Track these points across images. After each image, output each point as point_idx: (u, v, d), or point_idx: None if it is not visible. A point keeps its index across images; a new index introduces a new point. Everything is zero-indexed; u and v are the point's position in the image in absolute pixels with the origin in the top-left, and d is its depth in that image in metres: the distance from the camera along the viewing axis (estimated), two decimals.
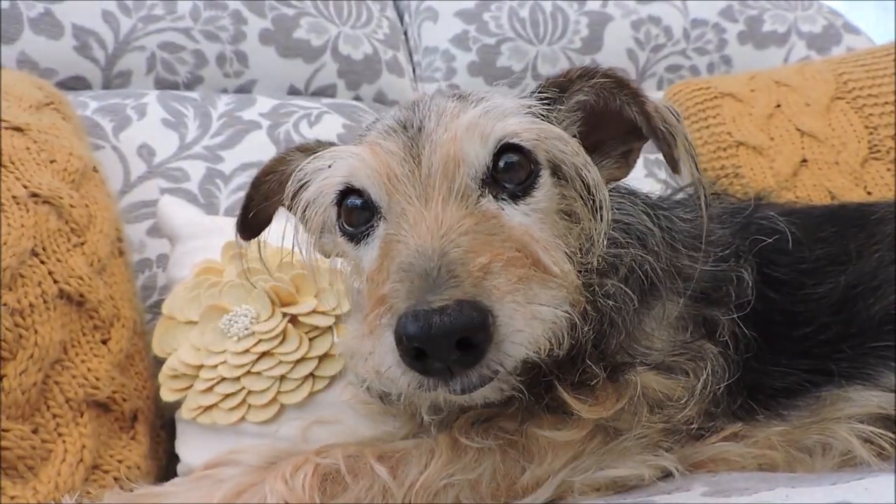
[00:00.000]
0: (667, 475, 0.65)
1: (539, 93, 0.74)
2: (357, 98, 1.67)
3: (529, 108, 0.70)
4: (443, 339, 0.51)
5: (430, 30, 1.80)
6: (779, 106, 1.52)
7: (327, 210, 0.72)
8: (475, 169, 0.65)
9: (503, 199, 0.66)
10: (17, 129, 1.02)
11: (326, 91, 1.65)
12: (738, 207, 0.84)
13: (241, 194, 1.34)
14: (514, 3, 1.79)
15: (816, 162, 1.43)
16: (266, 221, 0.86)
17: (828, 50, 1.91)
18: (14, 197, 0.91)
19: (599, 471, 0.65)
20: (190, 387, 0.92)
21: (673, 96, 1.61)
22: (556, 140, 0.68)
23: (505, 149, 0.66)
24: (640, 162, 1.51)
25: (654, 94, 1.69)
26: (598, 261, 0.69)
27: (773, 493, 0.50)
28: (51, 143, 1.04)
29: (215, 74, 1.57)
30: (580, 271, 0.68)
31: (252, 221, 0.85)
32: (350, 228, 0.70)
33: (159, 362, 0.97)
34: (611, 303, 0.68)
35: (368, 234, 0.68)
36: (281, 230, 0.88)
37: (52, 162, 1.01)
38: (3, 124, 1.00)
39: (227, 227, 1.12)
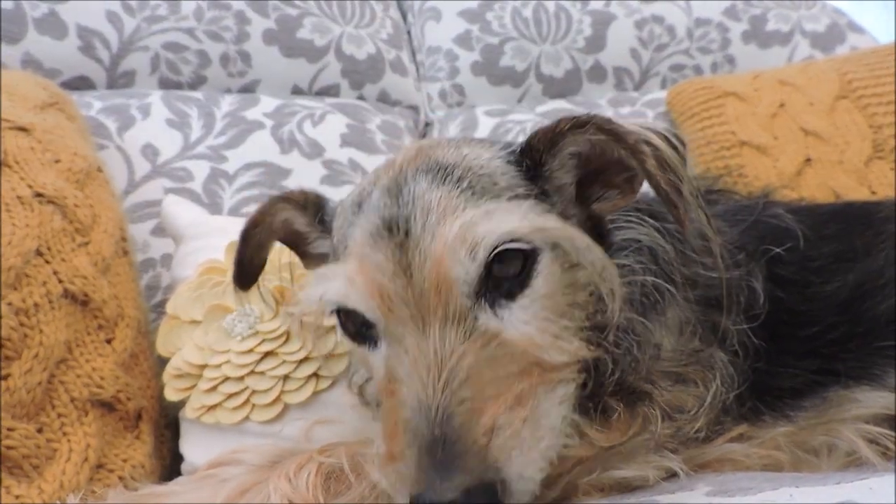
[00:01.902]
0: (671, 475, 0.65)
1: (525, 150, 0.71)
2: (360, 98, 1.67)
3: (517, 192, 0.67)
4: None
5: (433, 29, 1.80)
6: (783, 105, 1.51)
7: (325, 316, 0.73)
8: (468, 285, 0.61)
9: (500, 302, 0.62)
10: (22, 129, 1.02)
11: (330, 91, 1.65)
12: (745, 205, 0.83)
13: (246, 194, 1.35)
14: (518, 3, 1.79)
15: (820, 161, 1.43)
16: (261, 266, 0.86)
17: (832, 49, 1.90)
18: (19, 197, 0.91)
19: (604, 472, 0.65)
20: (194, 386, 0.92)
21: (676, 96, 1.61)
22: (553, 230, 0.64)
23: (499, 255, 0.62)
24: None
25: (657, 94, 1.70)
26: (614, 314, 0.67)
27: (777, 492, 0.50)
28: (55, 143, 1.04)
29: (219, 74, 1.57)
30: (592, 328, 0.67)
31: (248, 270, 0.85)
32: (353, 330, 0.68)
33: (163, 362, 0.97)
34: (630, 336, 0.68)
35: (372, 341, 0.67)
36: None
37: (56, 162, 1.01)
38: (9, 124, 1.01)
39: (230, 226, 1.12)
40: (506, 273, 0.62)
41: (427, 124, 1.76)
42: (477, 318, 0.61)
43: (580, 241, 0.65)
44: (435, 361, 0.58)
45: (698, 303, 0.72)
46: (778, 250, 0.75)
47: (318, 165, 1.44)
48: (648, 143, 0.65)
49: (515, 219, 0.63)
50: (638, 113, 1.67)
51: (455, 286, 0.61)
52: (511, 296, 0.62)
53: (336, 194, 1.40)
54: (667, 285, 0.71)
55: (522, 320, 0.62)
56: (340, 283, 0.65)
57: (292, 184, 1.39)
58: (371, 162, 1.48)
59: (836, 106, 1.49)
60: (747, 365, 0.70)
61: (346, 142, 1.50)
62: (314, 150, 1.46)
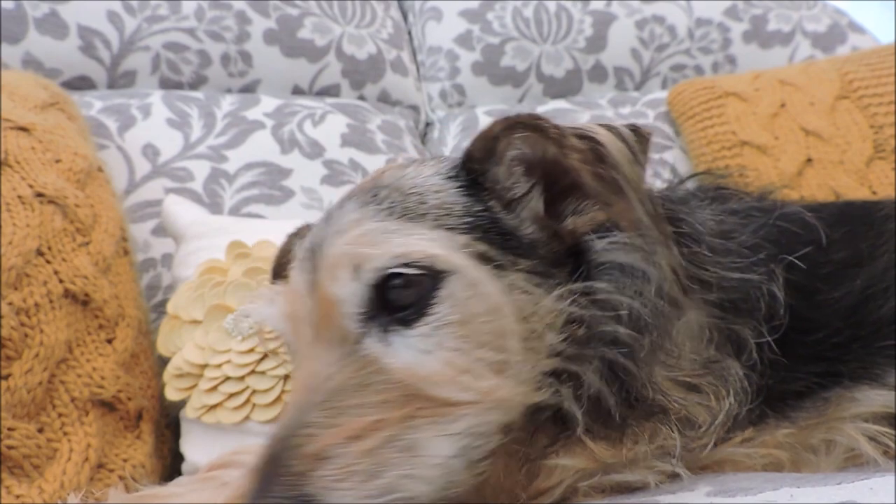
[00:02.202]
0: (673, 476, 0.65)
1: (464, 161, 0.68)
2: (361, 98, 1.67)
3: (449, 211, 0.64)
4: None
5: (434, 29, 1.79)
6: (783, 105, 1.51)
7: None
8: (352, 307, 0.60)
9: (393, 328, 0.59)
10: (23, 128, 1.02)
11: (330, 91, 1.65)
12: (759, 206, 0.81)
13: (246, 194, 1.36)
14: (518, 3, 1.79)
15: (821, 161, 1.43)
16: None
17: (833, 49, 1.90)
18: (19, 196, 0.91)
19: (605, 476, 0.65)
20: (195, 386, 0.92)
21: (677, 96, 1.61)
22: (440, 257, 0.59)
23: (389, 277, 0.59)
24: None
25: (657, 94, 1.70)
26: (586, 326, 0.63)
27: (778, 492, 0.50)
28: (56, 143, 1.04)
29: (220, 74, 1.57)
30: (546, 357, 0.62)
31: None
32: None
33: (164, 361, 0.97)
34: (616, 350, 0.63)
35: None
36: (285, 230, 0.88)
37: (57, 162, 1.01)
38: (10, 124, 1.01)
39: (231, 226, 1.12)
40: (404, 298, 0.59)
41: (428, 124, 1.76)
42: (361, 343, 0.60)
43: (472, 274, 0.59)
44: (306, 384, 0.58)
45: (716, 307, 0.69)
46: (791, 258, 0.72)
47: (319, 165, 1.44)
48: (584, 136, 0.61)
49: (410, 241, 0.60)
50: (639, 113, 1.67)
51: (337, 308, 0.60)
52: (407, 322, 0.59)
53: (336, 194, 1.41)
54: (679, 276, 0.68)
55: (419, 349, 0.58)
56: (263, 303, 0.67)
57: (293, 184, 1.39)
58: (371, 162, 1.48)
59: (837, 106, 1.49)
60: (763, 381, 0.68)
61: (346, 142, 1.50)
62: (315, 150, 1.46)
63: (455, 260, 0.60)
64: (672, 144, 1.60)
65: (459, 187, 0.67)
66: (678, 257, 0.63)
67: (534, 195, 0.67)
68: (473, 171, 0.67)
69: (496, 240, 0.64)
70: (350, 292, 0.60)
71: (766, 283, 0.70)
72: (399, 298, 0.59)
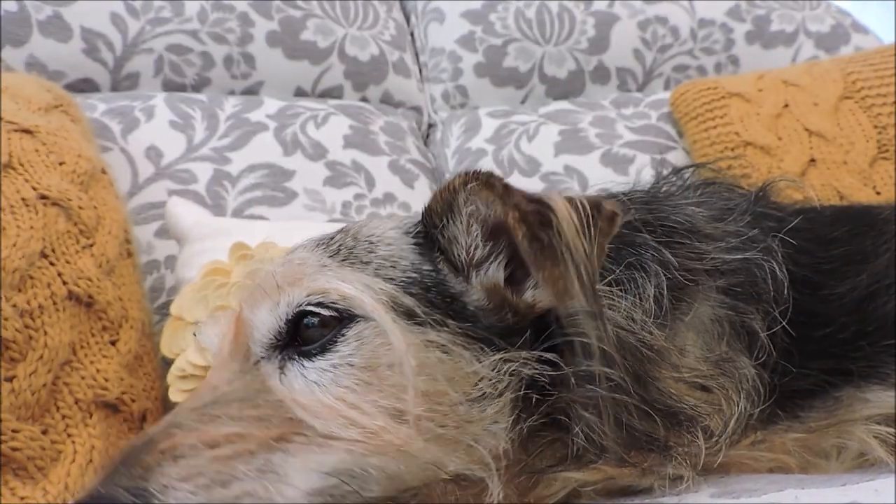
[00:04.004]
0: (677, 478, 0.64)
1: (424, 214, 0.68)
2: (364, 99, 1.67)
3: (396, 264, 0.65)
4: None
5: (437, 31, 1.80)
6: (787, 106, 1.51)
7: None
8: (262, 334, 0.62)
9: (294, 358, 0.61)
10: (27, 131, 1.03)
11: (333, 92, 1.65)
12: (748, 200, 0.81)
13: (249, 196, 1.36)
14: (521, 4, 1.79)
15: (825, 162, 1.42)
16: None
17: (836, 49, 1.90)
18: (23, 199, 0.91)
19: (608, 481, 0.64)
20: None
21: (680, 96, 1.61)
22: (354, 300, 0.60)
23: (303, 314, 0.61)
24: (646, 160, 1.52)
25: (660, 95, 1.70)
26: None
27: (783, 494, 0.50)
28: (59, 146, 1.04)
29: (223, 76, 1.58)
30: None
31: None
32: None
33: (167, 363, 0.97)
34: (640, 355, 0.61)
35: None
36: (288, 231, 0.88)
37: (60, 164, 1.01)
38: (13, 126, 1.01)
39: (234, 228, 1.12)
40: (315, 337, 0.61)
41: (430, 126, 1.76)
42: (258, 364, 0.62)
43: (384, 323, 0.59)
44: (201, 389, 0.60)
45: (723, 293, 0.69)
46: (785, 244, 0.72)
47: (322, 167, 1.44)
48: (533, 200, 0.61)
49: (332, 282, 0.61)
50: (641, 114, 1.67)
51: (249, 333, 0.63)
52: (309, 356, 0.60)
53: (339, 196, 1.42)
54: (685, 282, 0.67)
55: (312, 380, 0.59)
56: (210, 322, 0.71)
57: (296, 185, 1.40)
58: (374, 163, 1.49)
59: (841, 106, 1.48)
60: (774, 380, 0.67)
61: (349, 143, 1.50)
62: (317, 152, 1.46)
63: (369, 307, 0.60)
64: (675, 145, 1.60)
65: (415, 244, 0.68)
66: (609, 332, 0.60)
67: (493, 263, 0.65)
68: (433, 227, 0.67)
69: (431, 299, 0.63)
70: (262, 321, 0.62)
71: (766, 261, 0.70)
72: (312, 336, 0.61)
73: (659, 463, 0.61)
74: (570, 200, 0.60)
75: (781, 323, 0.67)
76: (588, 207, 0.60)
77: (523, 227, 0.59)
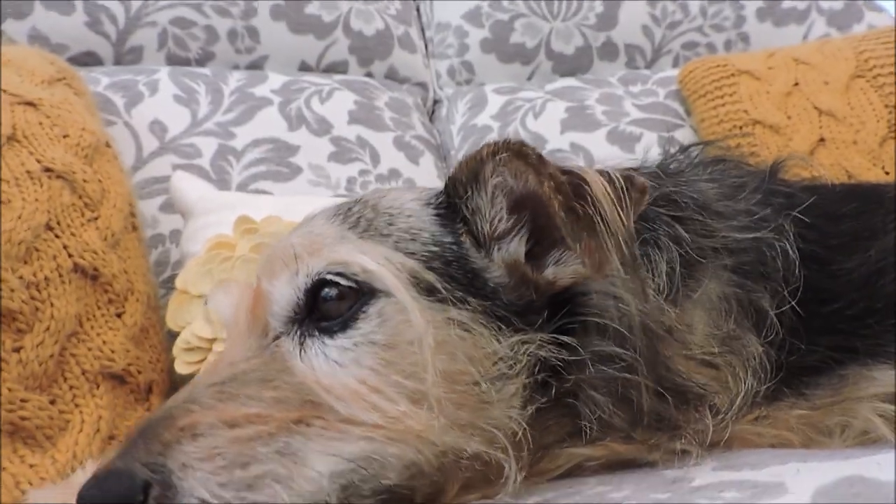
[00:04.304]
0: (679, 453, 0.64)
1: (447, 184, 0.66)
2: (369, 74, 1.66)
3: (416, 237, 0.63)
4: None
5: (443, 5, 1.77)
6: (797, 84, 1.49)
7: None
8: (281, 307, 0.60)
9: (314, 334, 0.59)
10: (30, 103, 1.02)
11: (338, 67, 1.64)
12: (758, 178, 0.80)
13: (253, 170, 1.35)
14: None
15: (834, 141, 1.41)
16: None
17: (849, 27, 1.87)
18: (28, 171, 0.91)
19: (612, 455, 0.64)
20: (204, 359, 0.93)
21: (688, 74, 1.59)
22: (374, 273, 0.58)
23: (322, 284, 0.59)
24: (653, 138, 1.51)
25: (669, 72, 1.68)
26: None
27: (785, 467, 0.50)
28: (63, 118, 1.04)
29: (227, 50, 1.56)
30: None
31: None
32: None
33: (173, 336, 0.98)
34: (651, 333, 0.61)
35: None
36: (293, 206, 0.88)
37: (64, 137, 1.01)
38: (17, 99, 1.01)
39: (239, 202, 1.12)
40: (334, 310, 0.59)
41: (436, 102, 1.75)
42: (277, 340, 0.60)
43: (404, 299, 0.57)
44: (214, 367, 0.59)
45: (733, 272, 0.68)
46: (793, 219, 0.72)
47: (326, 142, 1.44)
48: (567, 171, 0.59)
49: (353, 254, 0.59)
50: (649, 91, 1.65)
51: (267, 306, 0.61)
52: (330, 332, 0.58)
53: (344, 171, 1.41)
54: (697, 258, 0.66)
55: (333, 359, 0.57)
56: (221, 292, 0.69)
57: (301, 160, 1.39)
58: (379, 139, 1.48)
59: (852, 85, 1.46)
60: (781, 357, 0.67)
61: (354, 119, 1.49)
62: (322, 127, 1.45)
63: (391, 282, 0.58)
64: (683, 123, 1.58)
65: (436, 216, 0.66)
66: (651, 305, 0.60)
67: (515, 237, 0.64)
68: (457, 197, 0.65)
69: (452, 274, 0.62)
70: (282, 293, 0.61)
71: (777, 241, 0.69)
72: (330, 309, 0.59)
73: (666, 440, 0.61)
74: (603, 173, 0.59)
75: (790, 302, 0.67)
76: (621, 179, 0.59)
77: (559, 197, 0.58)
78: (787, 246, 0.69)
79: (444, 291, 0.60)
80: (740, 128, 1.45)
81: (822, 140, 1.41)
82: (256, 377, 0.57)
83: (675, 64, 1.80)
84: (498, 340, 0.60)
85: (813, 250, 0.72)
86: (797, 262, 0.68)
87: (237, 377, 0.57)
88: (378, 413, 0.55)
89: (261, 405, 0.55)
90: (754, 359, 0.65)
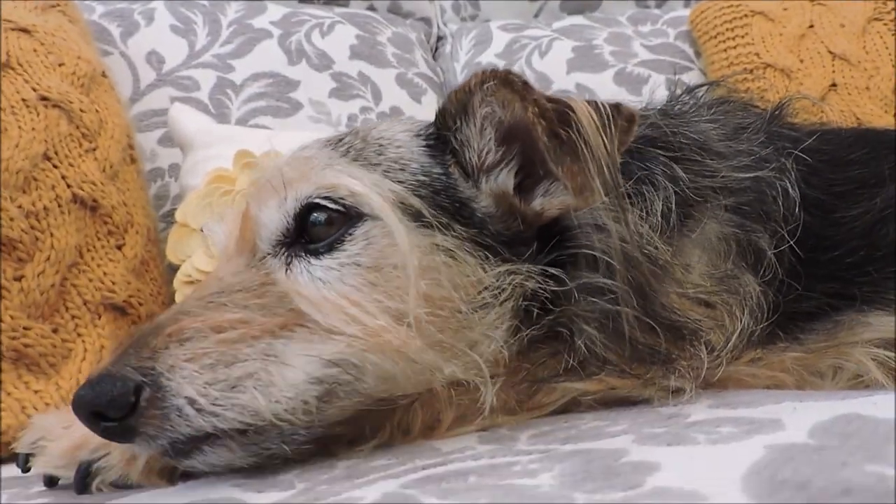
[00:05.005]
0: (675, 391, 0.65)
1: (437, 115, 0.66)
2: (371, 8, 1.61)
3: (405, 166, 0.64)
4: (80, 410, 0.53)
5: None
6: (812, 26, 1.45)
7: None
8: (270, 231, 0.62)
9: (301, 255, 0.60)
10: (24, 30, 0.99)
11: (339, 0, 1.59)
12: (765, 119, 0.78)
13: (253, 105, 1.33)
14: None
15: (846, 87, 1.38)
16: None
17: None
18: (24, 99, 0.89)
19: (608, 391, 0.65)
20: None
21: (700, 14, 1.54)
22: (362, 197, 0.60)
23: (311, 208, 0.60)
24: (660, 80, 1.48)
25: (680, 12, 1.63)
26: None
27: (781, 405, 0.51)
28: (58, 46, 1.01)
29: None
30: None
31: None
32: None
33: (174, 269, 0.98)
34: (646, 267, 0.61)
35: None
36: (295, 140, 0.87)
37: (60, 65, 0.99)
38: (10, 25, 0.98)
39: (238, 135, 1.10)
40: (322, 234, 0.60)
41: (440, 38, 1.70)
42: (263, 261, 0.62)
43: (391, 223, 0.59)
44: (207, 281, 0.61)
45: (733, 212, 0.68)
46: (797, 165, 0.71)
47: (327, 78, 1.40)
48: (554, 99, 0.59)
49: (341, 178, 0.60)
50: (659, 31, 1.60)
51: (256, 229, 0.62)
52: (316, 254, 0.60)
53: (345, 108, 1.38)
54: (695, 198, 0.67)
55: (318, 277, 0.59)
56: (216, 219, 0.71)
57: (301, 96, 1.36)
58: (381, 76, 1.44)
59: (869, 28, 1.42)
60: (777, 299, 0.67)
61: (355, 54, 1.45)
62: (323, 62, 1.42)
63: (377, 205, 0.59)
64: (692, 66, 1.55)
65: (426, 146, 0.66)
66: (635, 233, 0.61)
67: (504, 169, 0.65)
68: (446, 129, 0.66)
69: (440, 203, 0.63)
70: (271, 218, 0.62)
71: (778, 180, 0.69)
72: (318, 233, 0.60)
73: (661, 375, 0.62)
74: (591, 102, 0.59)
75: (789, 242, 0.67)
76: (608, 108, 0.59)
77: (542, 122, 0.58)
78: (788, 185, 0.68)
79: (430, 217, 0.61)
80: (750, 71, 1.42)
81: (833, 85, 1.38)
82: (242, 287, 0.59)
83: (687, 3, 1.74)
84: (484, 269, 0.61)
85: (816, 196, 0.71)
86: (798, 202, 0.68)
87: (224, 289, 0.59)
88: (358, 326, 0.56)
89: (246, 312, 0.57)
90: (751, 298, 0.66)
